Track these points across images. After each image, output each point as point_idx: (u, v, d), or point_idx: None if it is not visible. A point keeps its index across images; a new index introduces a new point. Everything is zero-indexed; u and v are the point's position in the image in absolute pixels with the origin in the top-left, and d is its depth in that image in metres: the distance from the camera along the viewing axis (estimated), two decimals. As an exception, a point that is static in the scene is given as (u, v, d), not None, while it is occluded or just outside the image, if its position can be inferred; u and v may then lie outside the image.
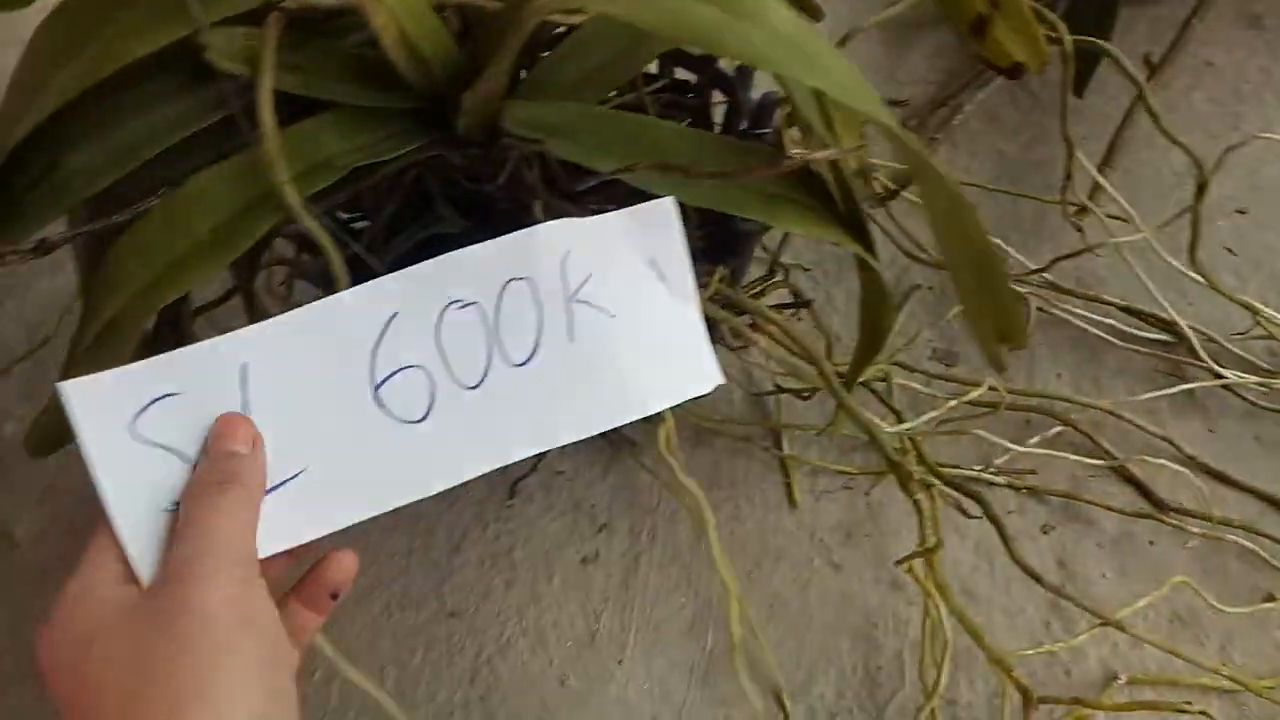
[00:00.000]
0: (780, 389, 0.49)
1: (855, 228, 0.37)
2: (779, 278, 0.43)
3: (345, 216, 0.44)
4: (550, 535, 0.50)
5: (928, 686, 0.42)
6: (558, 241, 0.31)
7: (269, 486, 0.28)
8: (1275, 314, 0.49)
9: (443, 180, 0.39)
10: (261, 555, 0.27)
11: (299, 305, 0.46)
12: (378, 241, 0.39)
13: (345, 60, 0.32)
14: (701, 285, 0.36)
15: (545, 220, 0.35)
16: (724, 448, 0.51)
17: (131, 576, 0.25)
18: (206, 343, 0.28)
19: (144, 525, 0.27)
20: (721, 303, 0.39)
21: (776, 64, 0.24)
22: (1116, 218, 0.51)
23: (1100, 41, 0.45)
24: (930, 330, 0.54)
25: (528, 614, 0.47)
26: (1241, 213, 0.57)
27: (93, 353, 0.31)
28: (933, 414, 0.45)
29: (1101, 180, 0.49)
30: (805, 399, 0.48)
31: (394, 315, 0.30)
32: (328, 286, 0.40)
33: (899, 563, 0.39)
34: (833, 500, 0.49)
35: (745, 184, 0.36)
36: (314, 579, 0.28)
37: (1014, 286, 0.51)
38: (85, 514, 0.52)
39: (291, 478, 0.29)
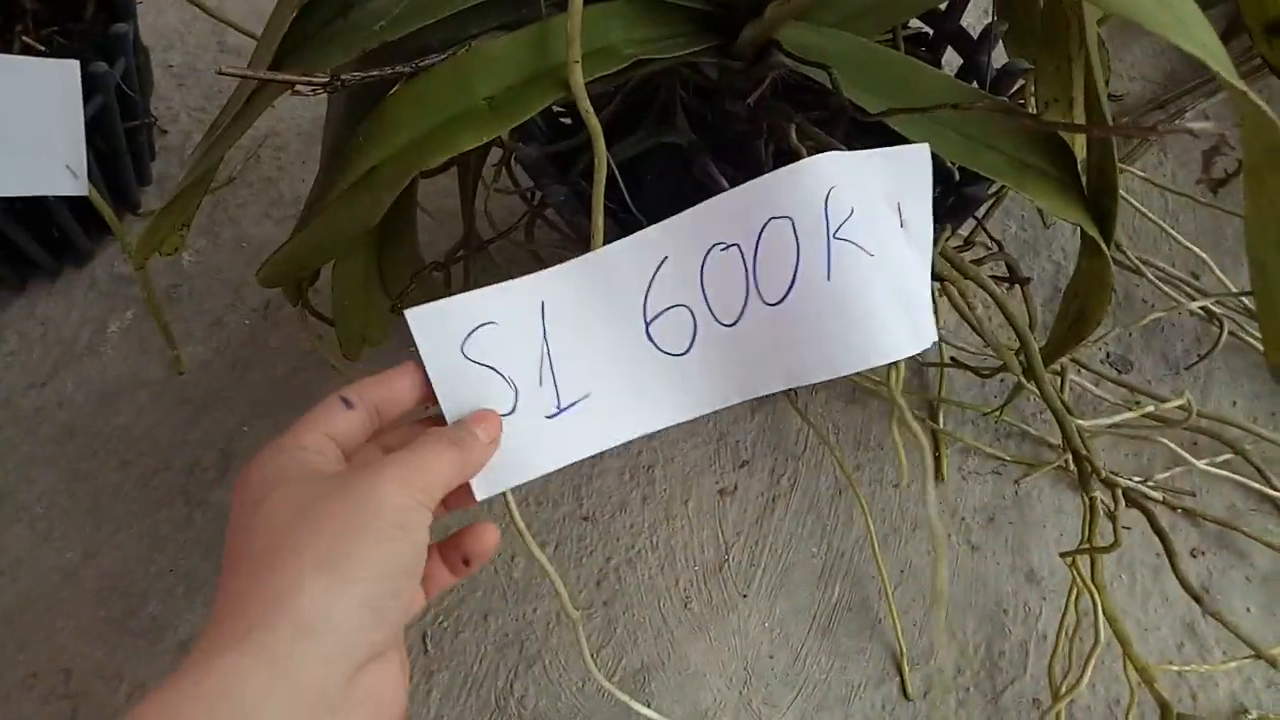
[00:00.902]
0: (955, 362, 0.48)
1: (1098, 211, 0.36)
2: (993, 250, 0.42)
3: (557, 110, 0.44)
4: (691, 461, 0.50)
5: (1054, 681, 0.42)
6: (822, 177, 0.31)
7: (563, 407, 0.30)
8: None
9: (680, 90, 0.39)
10: (559, 465, 0.29)
11: (510, 190, 0.46)
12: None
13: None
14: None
15: (800, 144, 0.35)
16: (877, 409, 0.51)
17: (339, 458, 0.27)
18: (513, 282, 0.30)
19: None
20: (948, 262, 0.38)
21: (1157, 23, 0.24)
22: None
23: None
24: (1109, 334, 0.53)
25: (660, 531, 0.48)
26: None
27: (350, 196, 0.32)
28: (1124, 415, 0.44)
29: None
30: (985, 377, 0.48)
31: (664, 260, 0.30)
32: (539, 175, 0.41)
33: (1065, 555, 0.38)
34: (980, 482, 0.49)
35: (1001, 148, 0.36)
36: (454, 544, 0.29)
37: (1212, 306, 0.49)
38: (249, 352, 0.54)
39: (579, 400, 0.30)
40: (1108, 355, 0.52)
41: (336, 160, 0.33)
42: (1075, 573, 0.39)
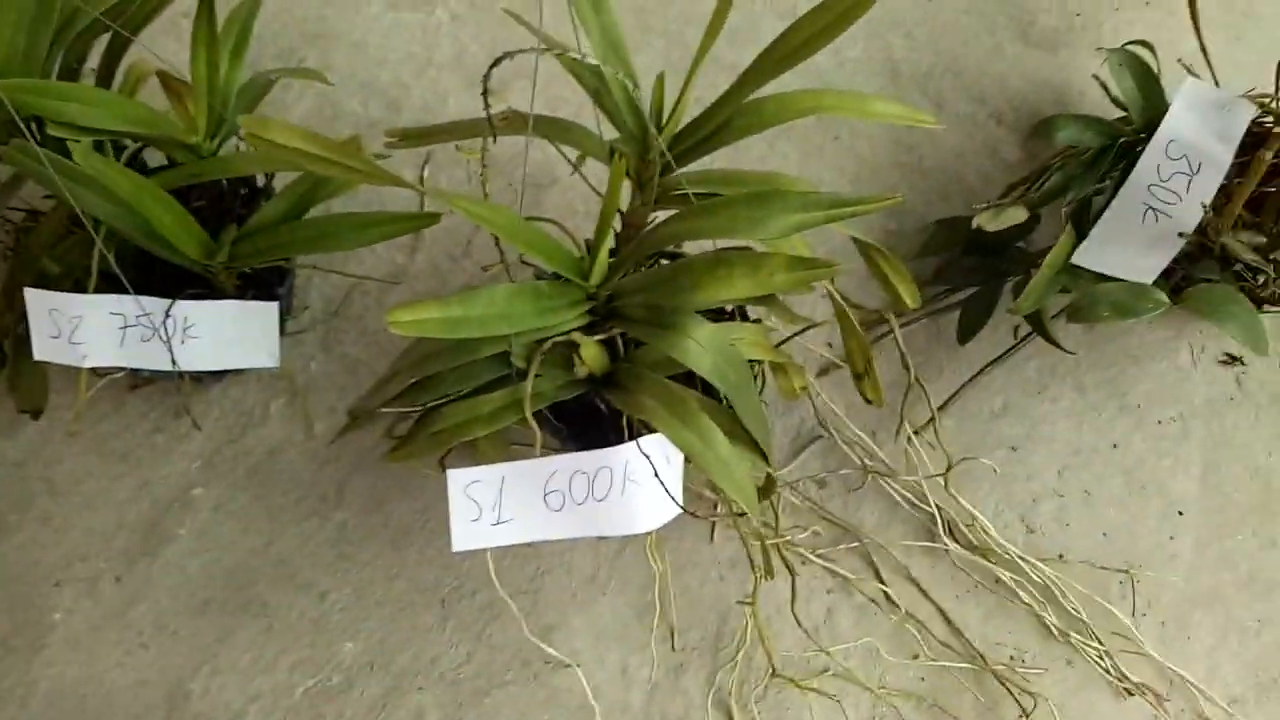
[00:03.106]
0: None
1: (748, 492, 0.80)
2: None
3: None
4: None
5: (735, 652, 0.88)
6: (627, 456, 0.74)
7: (500, 521, 0.74)
8: (987, 521, 0.92)
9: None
10: (500, 543, 0.73)
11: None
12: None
13: (560, 360, 0.74)
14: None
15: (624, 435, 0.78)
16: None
17: None
18: (491, 466, 0.72)
19: (463, 522, 0.72)
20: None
21: (706, 464, 0.67)
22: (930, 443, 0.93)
23: (920, 381, 0.86)
24: (818, 466, 0.97)
25: (567, 555, 0.93)
26: (1014, 449, 0.99)
27: (409, 447, 0.75)
28: (801, 535, 0.89)
29: (914, 449, 0.91)
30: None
31: (554, 470, 0.73)
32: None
33: (739, 602, 0.83)
34: (731, 542, 0.94)
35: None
36: None
37: (866, 462, 0.93)
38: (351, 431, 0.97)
39: (510, 520, 0.73)
40: (814, 479, 0.97)
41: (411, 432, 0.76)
42: (746, 613, 0.85)
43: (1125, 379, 1.02)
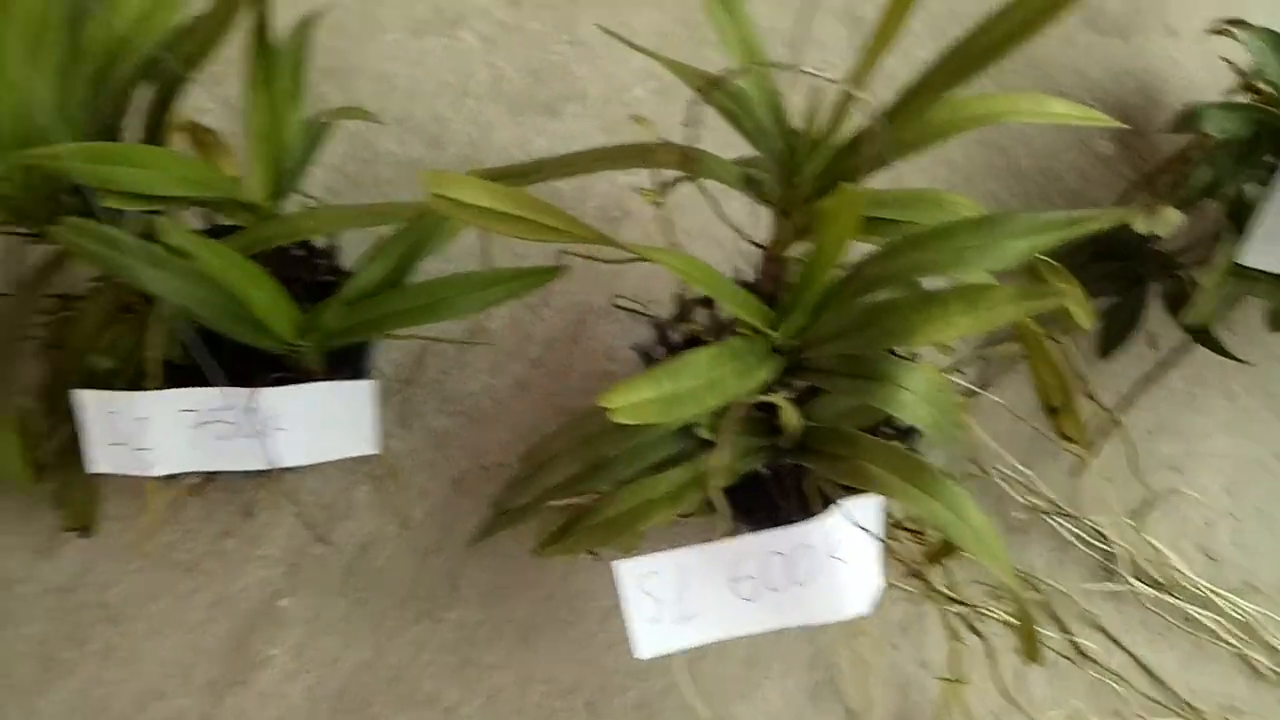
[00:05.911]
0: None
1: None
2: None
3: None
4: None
5: (932, 728, 0.78)
6: (829, 528, 0.64)
7: (685, 617, 0.62)
8: (1175, 557, 0.84)
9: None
10: (686, 645, 0.61)
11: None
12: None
13: (746, 425, 0.63)
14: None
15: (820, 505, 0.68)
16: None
17: None
18: (666, 553, 0.61)
19: (643, 623, 0.61)
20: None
21: (968, 546, 0.57)
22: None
23: (1113, 414, 0.77)
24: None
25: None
26: (1177, 470, 0.91)
27: (569, 539, 0.64)
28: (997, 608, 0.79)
29: (1086, 462, 0.82)
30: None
31: (743, 553, 0.63)
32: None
33: (940, 678, 0.74)
34: (898, 605, 0.84)
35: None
36: None
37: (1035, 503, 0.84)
38: (449, 515, 0.85)
39: (695, 615, 0.63)
40: (975, 523, 0.87)
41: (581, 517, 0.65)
42: (944, 687, 0.75)
43: (1274, 381, 0.94)
